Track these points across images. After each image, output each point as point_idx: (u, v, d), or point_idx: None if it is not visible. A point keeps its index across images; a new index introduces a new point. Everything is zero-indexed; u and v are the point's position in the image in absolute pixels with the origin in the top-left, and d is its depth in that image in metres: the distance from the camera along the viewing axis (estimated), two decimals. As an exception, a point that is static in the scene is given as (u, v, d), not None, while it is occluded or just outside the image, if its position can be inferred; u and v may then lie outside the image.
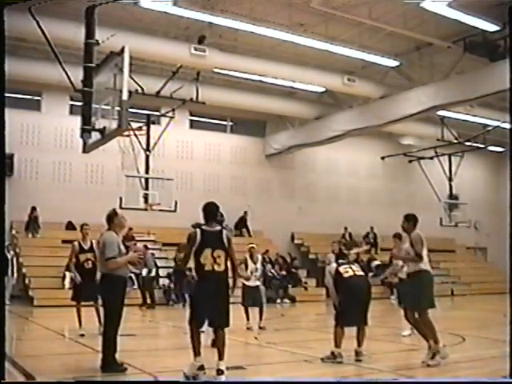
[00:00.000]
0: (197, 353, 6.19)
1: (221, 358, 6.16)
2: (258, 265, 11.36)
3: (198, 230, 6.34)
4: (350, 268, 7.70)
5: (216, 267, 6.22)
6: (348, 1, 14.82)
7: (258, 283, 11.30)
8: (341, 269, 7.68)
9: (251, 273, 11.20)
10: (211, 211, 6.47)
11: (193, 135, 23.34)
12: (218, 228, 6.45)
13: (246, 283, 11.20)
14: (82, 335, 9.57)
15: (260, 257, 11.54)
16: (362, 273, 7.79)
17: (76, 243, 10.00)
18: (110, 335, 6.63)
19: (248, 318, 11.10)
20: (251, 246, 11.52)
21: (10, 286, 16.32)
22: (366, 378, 6.88)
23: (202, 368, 6.15)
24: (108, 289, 6.75)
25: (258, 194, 24.05)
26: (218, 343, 6.23)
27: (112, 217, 7.01)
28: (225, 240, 6.32)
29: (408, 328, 10.10)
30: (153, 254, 18.21)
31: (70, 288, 17.01)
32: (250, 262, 11.23)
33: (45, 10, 11.03)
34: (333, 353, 7.32)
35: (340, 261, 8.07)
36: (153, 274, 17.39)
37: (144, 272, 16.94)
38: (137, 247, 13.84)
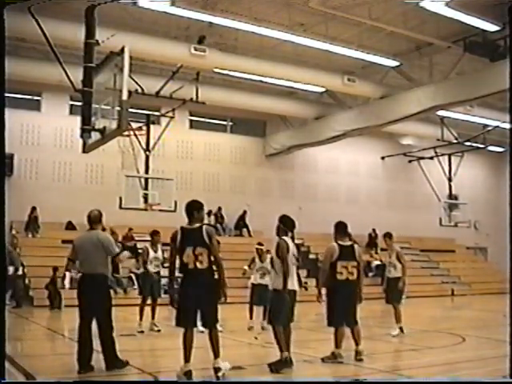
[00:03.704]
0: (186, 358, 6.13)
1: (216, 356, 6.18)
2: (266, 264, 11.25)
3: (178, 229, 6.36)
4: (346, 268, 7.40)
5: (198, 265, 6.18)
6: (346, 1, 14.82)
7: (263, 282, 11.14)
8: (339, 265, 7.37)
9: (256, 271, 11.20)
10: (187, 207, 6.44)
11: (193, 135, 23.35)
12: (198, 225, 6.35)
13: (253, 281, 11.22)
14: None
15: (269, 256, 11.46)
16: (354, 276, 7.43)
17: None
18: (110, 334, 6.70)
19: (251, 317, 11.07)
20: (258, 247, 11.45)
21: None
22: (366, 378, 6.88)
23: (187, 374, 6.08)
24: (105, 289, 6.85)
25: (258, 194, 24.05)
26: (212, 343, 6.19)
27: (99, 217, 7.03)
28: (205, 237, 6.23)
29: (396, 327, 10.11)
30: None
31: (70, 288, 17.09)
32: (257, 260, 11.22)
33: (45, 10, 11.04)
34: (333, 353, 7.33)
35: (340, 243, 7.54)
36: (20, 272, 16.59)
37: (11, 270, 16.62)
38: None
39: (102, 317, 6.74)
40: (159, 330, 10.54)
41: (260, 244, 11.62)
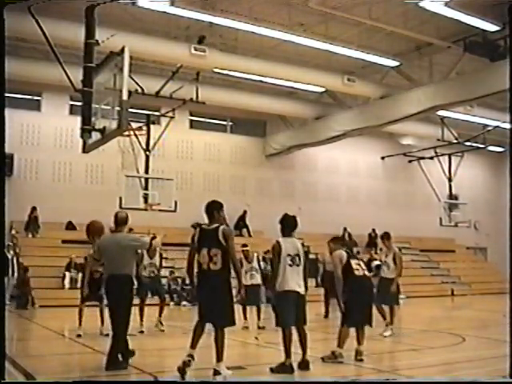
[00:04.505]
0: (192, 345, 6.15)
1: (219, 359, 6.13)
2: (255, 263, 11.44)
3: (197, 229, 6.36)
4: (360, 265, 7.60)
5: (212, 266, 6.18)
6: (346, 1, 14.83)
7: (254, 282, 11.31)
8: (353, 262, 7.54)
9: (246, 272, 11.26)
10: (208, 208, 6.45)
11: (193, 135, 23.36)
12: (216, 225, 6.32)
13: (243, 282, 11.25)
14: (79, 335, 9.61)
15: (255, 255, 11.62)
16: (368, 272, 7.77)
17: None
18: (122, 335, 6.80)
19: (245, 317, 11.13)
20: (244, 248, 11.56)
21: (11, 286, 16.31)
22: (365, 378, 6.88)
23: (190, 356, 6.05)
24: (128, 290, 6.93)
25: (258, 194, 24.07)
26: (216, 344, 6.16)
27: (126, 219, 7.17)
28: (220, 237, 6.21)
29: (389, 328, 10.06)
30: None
31: (70, 288, 17.11)
32: (244, 262, 11.29)
33: (45, 10, 11.03)
34: (333, 352, 7.32)
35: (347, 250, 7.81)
36: None
37: None
38: None
39: (120, 316, 6.82)
40: (163, 331, 10.53)
41: (244, 245, 11.78)
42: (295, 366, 6.65)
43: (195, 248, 6.31)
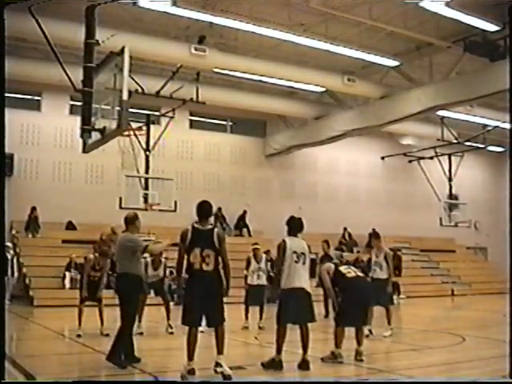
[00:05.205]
0: (190, 357, 6.16)
1: (220, 352, 6.22)
2: (262, 264, 11.42)
3: (189, 228, 6.35)
4: (350, 269, 7.74)
5: (204, 266, 6.21)
6: (346, 1, 14.83)
7: (261, 282, 11.32)
8: (342, 269, 7.69)
9: (253, 272, 11.27)
10: (204, 210, 6.46)
11: (193, 135, 23.36)
12: (210, 227, 6.42)
13: (250, 282, 11.28)
14: (79, 336, 9.61)
15: (264, 256, 11.62)
16: (361, 274, 7.84)
17: None
18: (124, 332, 6.94)
19: (246, 318, 11.14)
20: (255, 246, 11.56)
21: (11, 286, 16.30)
22: (366, 378, 6.88)
23: (191, 372, 6.12)
24: (131, 288, 7.02)
25: (258, 194, 24.07)
26: (217, 339, 6.24)
27: (133, 219, 7.27)
28: (215, 239, 6.28)
29: (389, 328, 10.01)
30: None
31: (70, 288, 17.10)
32: (253, 261, 11.31)
33: (45, 10, 11.01)
34: (333, 353, 7.34)
35: (335, 260, 8.21)
36: None
37: None
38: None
39: (124, 312, 6.95)
40: (172, 333, 10.41)
41: (255, 244, 11.75)
42: (295, 366, 6.68)
43: (186, 247, 6.30)
